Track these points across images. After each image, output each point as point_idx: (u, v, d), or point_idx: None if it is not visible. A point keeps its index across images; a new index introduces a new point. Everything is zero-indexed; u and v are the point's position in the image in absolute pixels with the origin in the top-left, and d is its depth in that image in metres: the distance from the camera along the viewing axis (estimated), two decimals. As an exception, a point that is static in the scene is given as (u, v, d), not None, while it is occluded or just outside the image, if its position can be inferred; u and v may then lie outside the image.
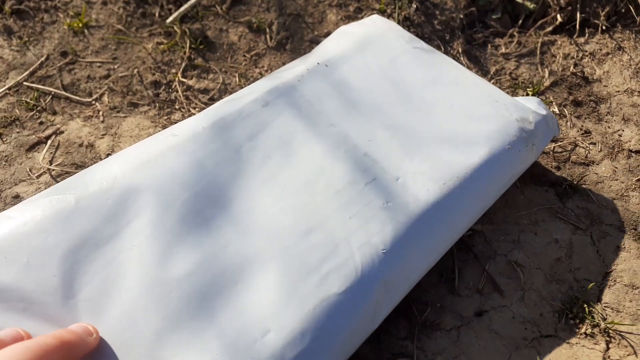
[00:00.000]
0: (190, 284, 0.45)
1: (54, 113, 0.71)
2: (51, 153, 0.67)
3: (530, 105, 0.63)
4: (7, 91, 0.73)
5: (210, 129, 0.54)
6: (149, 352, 0.41)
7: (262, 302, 0.45)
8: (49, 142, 0.68)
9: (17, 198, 0.62)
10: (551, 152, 0.72)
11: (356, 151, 0.54)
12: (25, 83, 0.74)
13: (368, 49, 0.64)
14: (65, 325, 0.42)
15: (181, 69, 0.77)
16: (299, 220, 0.49)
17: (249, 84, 0.70)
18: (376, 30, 0.67)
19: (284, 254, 0.47)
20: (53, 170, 0.65)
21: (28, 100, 0.72)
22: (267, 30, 0.82)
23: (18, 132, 0.69)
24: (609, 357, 0.55)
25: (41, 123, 0.70)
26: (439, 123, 0.58)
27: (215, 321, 0.43)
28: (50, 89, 0.73)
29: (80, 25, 0.80)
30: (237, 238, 0.48)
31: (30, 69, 0.75)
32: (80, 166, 0.65)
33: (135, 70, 0.76)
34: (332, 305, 0.45)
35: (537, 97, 0.78)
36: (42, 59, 0.77)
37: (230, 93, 0.75)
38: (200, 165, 0.51)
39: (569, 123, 0.76)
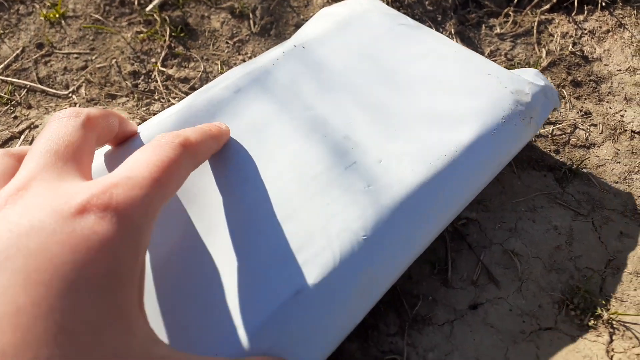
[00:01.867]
0: (160, 274, 0.42)
1: (29, 107, 0.68)
2: (25, 148, 0.64)
3: (527, 77, 0.59)
4: (-19, 85, 0.70)
5: (177, 119, 0.50)
6: None
7: (231, 297, 0.41)
8: (22, 136, 0.65)
9: (-13, 196, 0.59)
10: (550, 135, 0.69)
11: (335, 134, 0.51)
12: (-1, 77, 0.71)
13: (349, 29, 0.60)
14: None
15: (161, 58, 0.73)
16: (274, 211, 0.45)
17: (230, 72, 0.67)
18: (359, 9, 0.63)
19: (255, 247, 0.43)
20: (26, 166, 0.62)
21: (2, 94, 0.69)
22: (251, 15, 0.79)
23: (-9, 128, 0.66)
24: (612, 349, 0.52)
25: (15, 117, 0.67)
26: (425, 101, 0.54)
27: (182, 319, 0.40)
28: (26, 82, 0.70)
29: (57, 15, 0.77)
30: (209, 228, 0.45)
31: (5, 62, 0.72)
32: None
33: (114, 61, 0.73)
34: (307, 298, 0.41)
35: (534, 78, 0.75)
36: (18, 51, 0.74)
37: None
38: None
39: (568, 104, 0.72)
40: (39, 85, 0.70)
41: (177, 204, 0.46)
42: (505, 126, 0.54)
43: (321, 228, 0.45)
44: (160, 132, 0.49)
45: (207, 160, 0.48)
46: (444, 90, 0.56)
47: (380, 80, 0.56)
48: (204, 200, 0.46)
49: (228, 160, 0.49)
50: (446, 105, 0.54)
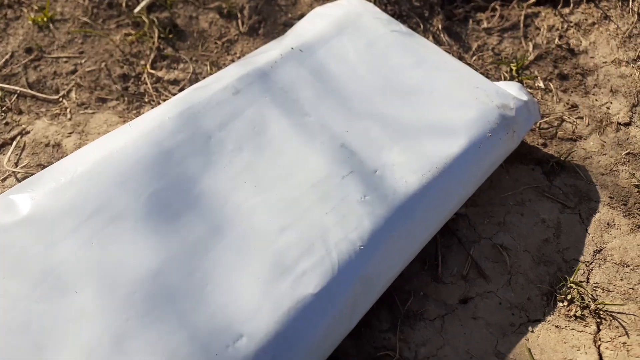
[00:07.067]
0: (155, 284, 0.43)
1: (20, 112, 0.68)
2: (16, 155, 0.64)
3: (511, 91, 0.61)
4: (-30, 92, 0.70)
5: (176, 119, 0.52)
6: (109, 358, 0.39)
7: (234, 305, 0.42)
8: (14, 143, 0.65)
9: (-19, 203, 0.59)
10: (537, 129, 0.69)
11: (333, 142, 0.52)
12: (-11, 82, 0.71)
13: (344, 33, 0.61)
14: None
15: (150, 60, 0.74)
16: (273, 217, 0.47)
17: (219, 73, 0.67)
18: (352, 12, 0.64)
19: (257, 253, 0.45)
20: (18, 172, 0.62)
21: (-8, 100, 0.69)
22: (239, 15, 0.79)
23: (-18, 134, 0.66)
24: (599, 339, 0.53)
25: (6, 124, 0.67)
26: (417, 111, 0.56)
27: (184, 325, 0.41)
28: (16, 88, 0.71)
29: (45, 19, 0.77)
30: (207, 236, 0.46)
31: (-6, 68, 0.72)
32: (47, 167, 0.63)
33: (103, 64, 0.73)
34: (307, 306, 0.43)
35: (522, 71, 0.75)
36: (7, 56, 0.74)
37: (202, 83, 0.72)
38: (167, 157, 0.49)
39: (554, 98, 0.73)
40: (29, 90, 0.70)
41: (172, 212, 0.47)
42: (491, 139, 0.56)
43: (320, 238, 0.46)
44: (161, 134, 0.50)
45: (207, 164, 0.49)
46: (435, 101, 0.57)
47: (375, 88, 0.57)
48: (201, 206, 0.47)
49: (226, 164, 0.50)
50: (437, 116, 0.56)
